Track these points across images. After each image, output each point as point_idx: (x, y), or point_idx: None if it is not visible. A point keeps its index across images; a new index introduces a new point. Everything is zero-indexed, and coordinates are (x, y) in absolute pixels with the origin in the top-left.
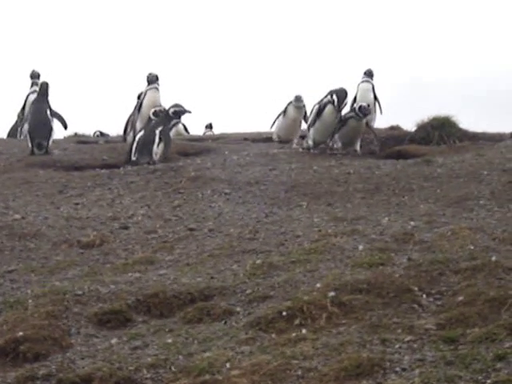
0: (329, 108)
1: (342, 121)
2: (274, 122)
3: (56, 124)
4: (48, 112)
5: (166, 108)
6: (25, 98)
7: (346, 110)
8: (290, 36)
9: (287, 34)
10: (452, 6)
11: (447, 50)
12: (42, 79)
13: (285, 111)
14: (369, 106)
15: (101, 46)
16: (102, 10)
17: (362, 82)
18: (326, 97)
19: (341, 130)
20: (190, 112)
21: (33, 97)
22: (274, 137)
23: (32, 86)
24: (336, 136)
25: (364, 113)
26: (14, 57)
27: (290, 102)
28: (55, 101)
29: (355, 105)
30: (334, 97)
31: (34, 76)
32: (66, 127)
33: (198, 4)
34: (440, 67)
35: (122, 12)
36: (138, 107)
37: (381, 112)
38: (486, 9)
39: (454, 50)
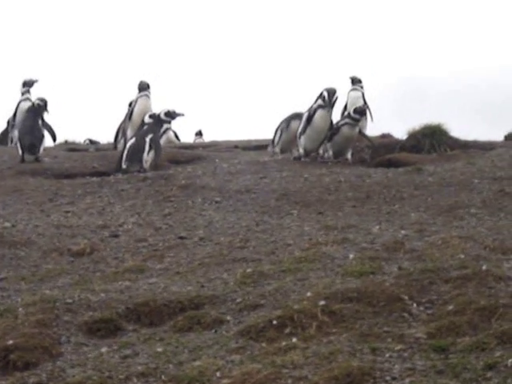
0: (319, 113)
1: (335, 129)
2: (277, 137)
3: (46, 134)
4: (39, 121)
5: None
6: (16, 106)
7: (336, 119)
8: (280, 42)
9: (277, 39)
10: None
11: (442, 56)
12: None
13: (287, 126)
14: (364, 105)
15: (92, 54)
16: (94, 19)
17: (352, 90)
18: (315, 102)
19: (333, 138)
20: (183, 115)
21: (24, 104)
22: (277, 150)
23: (23, 94)
24: (328, 145)
25: (360, 113)
26: (3, 63)
27: (292, 117)
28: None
29: (346, 112)
30: (325, 92)
31: (28, 84)
32: (54, 139)
33: (190, 13)
34: (434, 73)
35: (113, 19)
36: (129, 115)
37: (371, 119)
38: (477, 15)
39: (450, 56)
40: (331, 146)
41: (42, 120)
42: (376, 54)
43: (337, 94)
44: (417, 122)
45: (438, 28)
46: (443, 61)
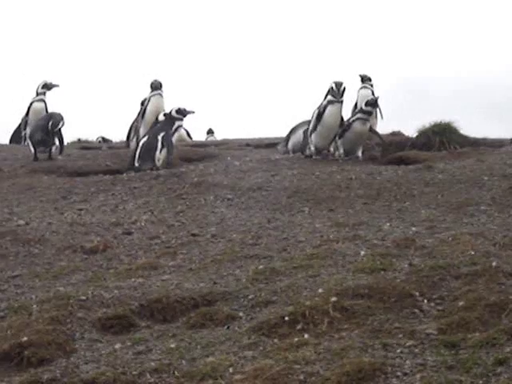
0: (329, 109)
1: (346, 125)
2: (289, 139)
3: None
4: (51, 123)
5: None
6: (28, 105)
7: (347, 117)
8: (290, 40)
9: (286, 38)
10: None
11: (449, 54)
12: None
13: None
14: (376, 97)
15: (104, 53)
16: (105, 17)
17: (361, 88)
18: (324, 99)
19: (344, 135)
20: (193, 112)
21: (37, 105)
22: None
23: (39, 94)
24: (338, 142)
25: (372, 105)
26: (16, 61)
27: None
28: (58, 106)
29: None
30: (332, 84)
31: (47, 87)
32: (61, 151)
33: (200, 10)
34: (440, 70)
35: (124, 17)
36: (142, 113)
37: (382, 117)
38: (484, 13)
39: (458, 55)
40: (342, 143)
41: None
42: (382, 55)
43: (344, 85)
44: (423, 121)
45: (442, 28)
46: (448, 61)
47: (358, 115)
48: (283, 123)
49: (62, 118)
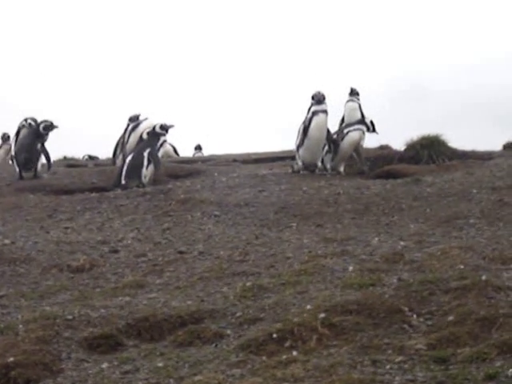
0: (315, 120)
1: (335, 140)
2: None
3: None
4: (38, 144)
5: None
6: (16, 130)
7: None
8: (276, 54)
9: (272, 51)
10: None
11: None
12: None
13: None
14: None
15: (90, 70)
16: (89, 32)
17: (348, 101)
18: (307, 113)
19: (336, 148)
20: (173, 126)
21: (25, 131)
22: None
23: (25, 121)
24: (326, 157)
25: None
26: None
27: None
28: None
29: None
30: (313, 95)
31: (34, 120)
32: (49, 167)
33: (185, 26)
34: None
35: (108, 32)
36: (129, 131)
37: (373, 130)
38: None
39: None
40: (330, 158)
41: (42, 144)
42: (373, 57)
43: (322, 93)
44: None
45: (442, 27)
46: (443, 61)
47: (357, 126)
48: (271, 139)
49: (50, 128)
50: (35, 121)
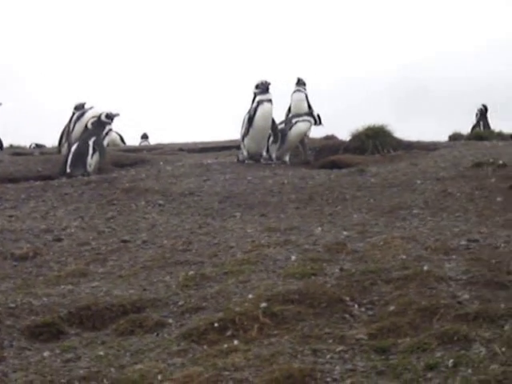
0: (260, 110)
1: (283, 129)
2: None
3: None
4: None
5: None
6: None
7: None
8: (225, 44)
9: (221, 41)
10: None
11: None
12: None
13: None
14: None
15: (35, 61)
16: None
17: (295, 91)
18: (253, 102)
19: (282, 138)
20: (118, 115)
21: None
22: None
23: None
24: (271, 147)
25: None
26: None
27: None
28: None
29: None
30: (257, 82)
31: None
32: (1, 147)
33: (136, 17)
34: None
35: (59, 17)
36: (75, 120)
37: (319, 123)
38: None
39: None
40: (275, 148)
41: None
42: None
43: (267, 82)
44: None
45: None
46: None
47: (306, 117)
48: (224, 128)
49: None
50: None
